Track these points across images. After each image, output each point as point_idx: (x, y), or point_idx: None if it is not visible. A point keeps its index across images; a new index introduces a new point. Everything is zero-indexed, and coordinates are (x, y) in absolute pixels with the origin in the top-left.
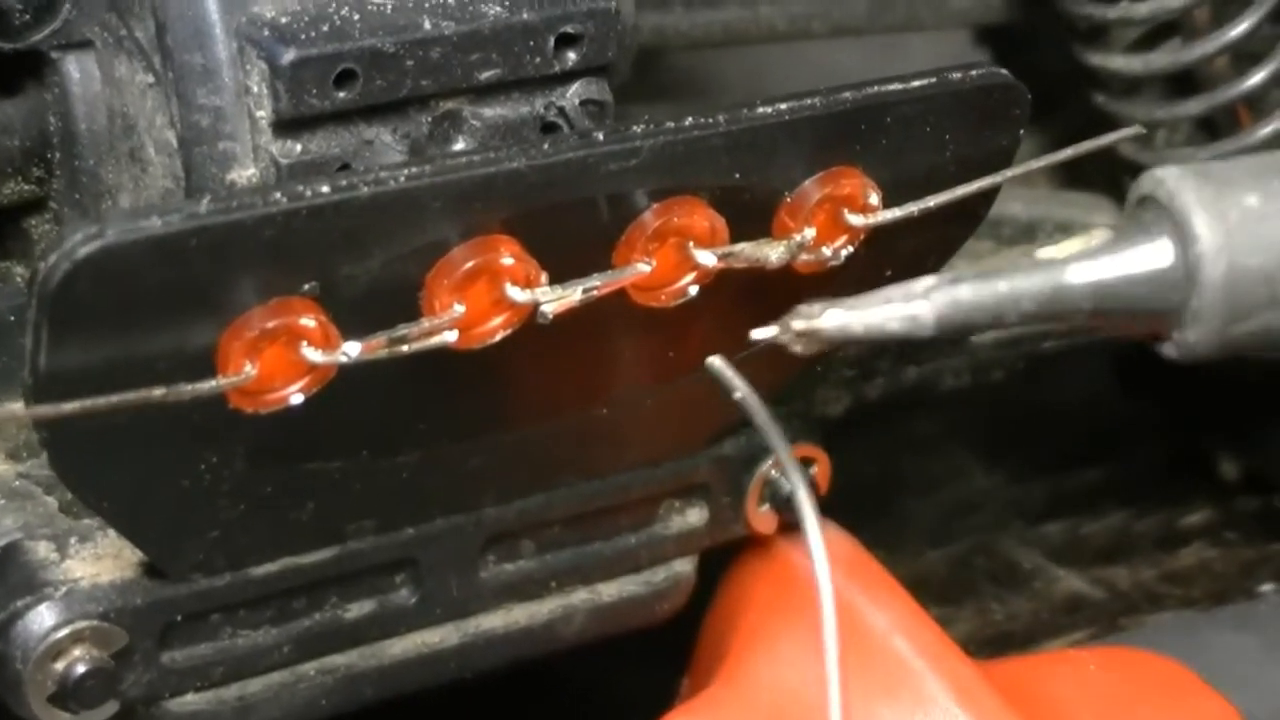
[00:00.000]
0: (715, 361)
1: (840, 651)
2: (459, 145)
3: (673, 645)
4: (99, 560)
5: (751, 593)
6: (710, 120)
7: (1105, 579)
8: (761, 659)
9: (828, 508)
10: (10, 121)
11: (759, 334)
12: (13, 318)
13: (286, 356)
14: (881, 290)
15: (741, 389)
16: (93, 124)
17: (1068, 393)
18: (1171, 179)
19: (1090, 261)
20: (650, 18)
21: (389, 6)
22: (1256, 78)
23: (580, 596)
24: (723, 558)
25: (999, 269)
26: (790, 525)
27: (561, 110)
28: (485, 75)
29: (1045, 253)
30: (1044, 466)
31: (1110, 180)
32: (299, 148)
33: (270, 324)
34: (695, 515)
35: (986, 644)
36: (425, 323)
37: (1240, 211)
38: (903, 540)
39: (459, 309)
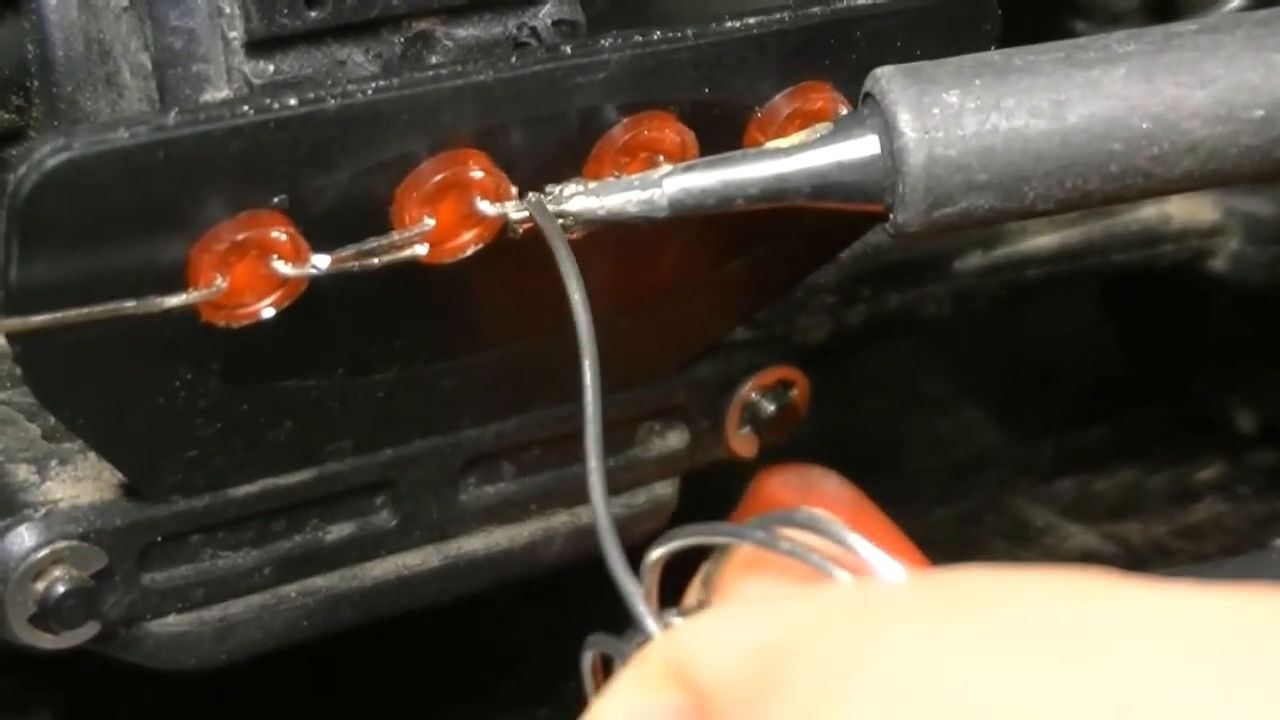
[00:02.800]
0: (535, 200)
1: None
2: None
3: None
4: (79, 482)
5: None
6: (678, 34)
7: (1117, 535)
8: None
9: (833, 465)
10: None
11: (514, 215)
12: None
13: (257, 270)
14: (626, 177)
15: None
16: (70, 50)
17: (1072, 344)
18: (885, 77)
19: (810, 151)
20: None
21: None
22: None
23: (560, 519)
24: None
25: (729, 157)
26: (774, 454)
27: (534, 30)
28: None
29: (773, 144)
30: (1054, 422)
31: None
32: (271, 68)
33: (240, 237)
34: (675, 438)
35: None
36: (395, 236)
37: (941, 108)
38: (911, 498)
39: (429, 222)
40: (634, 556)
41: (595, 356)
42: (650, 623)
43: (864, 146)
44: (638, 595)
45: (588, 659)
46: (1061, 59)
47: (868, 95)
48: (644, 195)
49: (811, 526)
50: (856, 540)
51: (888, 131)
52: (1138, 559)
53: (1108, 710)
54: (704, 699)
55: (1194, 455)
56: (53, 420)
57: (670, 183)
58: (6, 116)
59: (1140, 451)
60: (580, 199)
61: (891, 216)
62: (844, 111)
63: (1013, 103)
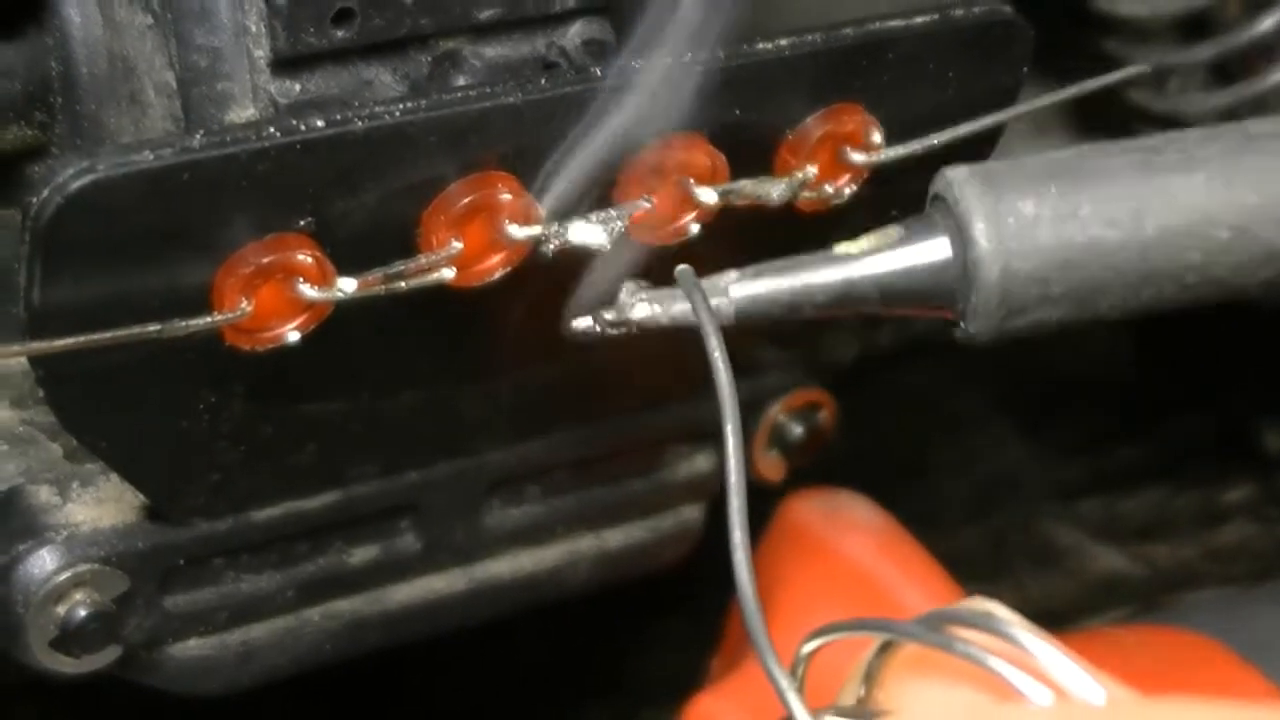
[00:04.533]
0: (685, 271)
1: None
2: (458, 85)
3: (702, 625)
4: (100, 504)
5: (781, 572)
6: (711, 56)
7: (1144, 556)
8: (791, 639)
9: (859, 485)
10: (12, 66)
11: (577, 324)
12: (17, 265)
13: (282, 293)
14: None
15: (700, 306)
16: (93, 67)
17: (1100, 363)
18: (958, 182)
19: (878, 258)
20: None
21: None
22: (1268, 22)
23: (587, 542)
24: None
25: (795, 262)
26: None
27: (563, 50)
28: (485, 14)
29: (841, 248)
30: (1081, 441)
31: (1124, 129)
32: (297, 88)
33: (265, 260)
34: (702, 461)
35: None
36: (422, 259)
37: (1016, 218)
38: (937, 518)
39: (456, 245)
40: (660, 582)
41: (739, 434)
42: None
43: (936, 253)
44: (793, 693)
45: None
46: (1138, 162)
47: (936, 197)
48: (711, 304)
49: (988, 626)
50: (1044, 649)
51: (961, 240)
52: (1165, 581)
53: None
54: None
55: (1222, 476)
56: (75, 440)
57: (737, 290)
58: (30, 133)
59: (1168, 472)
60: (644, 307)
61: (962, 325)
62: (876, 135)
63: (1088, 211)
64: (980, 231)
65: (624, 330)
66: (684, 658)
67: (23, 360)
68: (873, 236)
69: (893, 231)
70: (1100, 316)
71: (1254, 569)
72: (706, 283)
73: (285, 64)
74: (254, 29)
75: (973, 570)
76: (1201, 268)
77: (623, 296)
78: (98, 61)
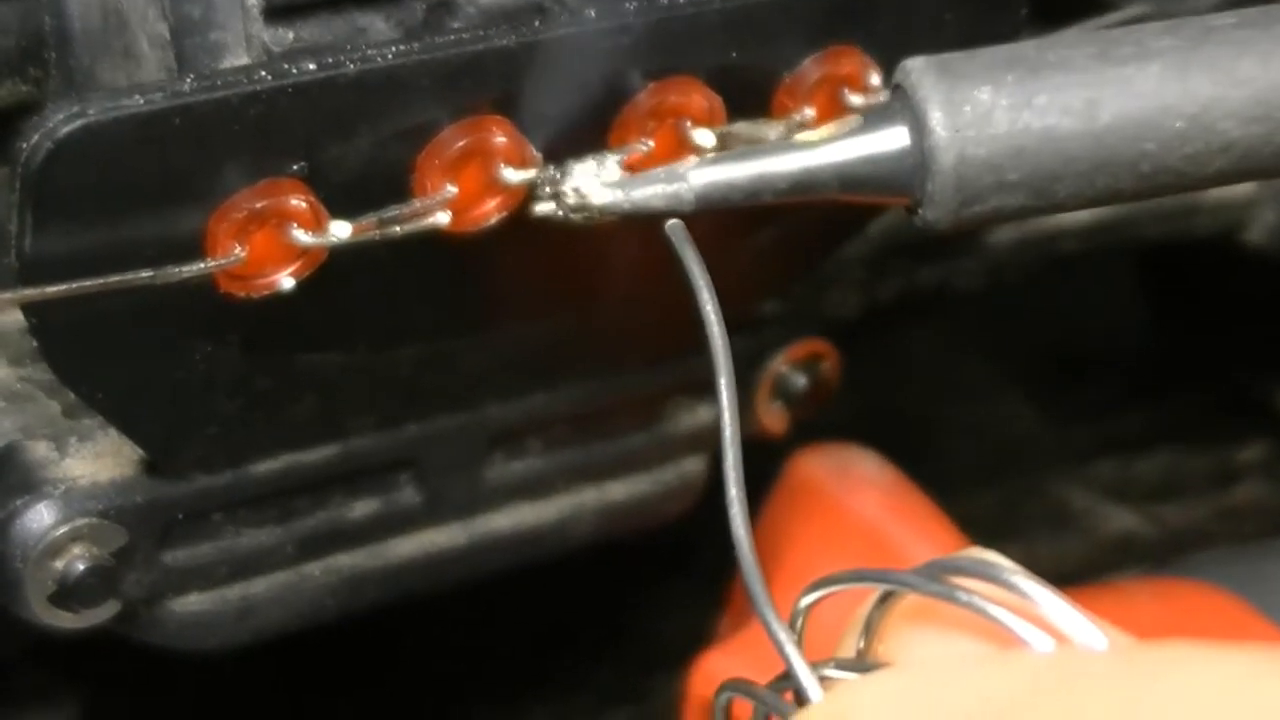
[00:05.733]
0: (675, 225)
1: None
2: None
3: (708, 584)
4: (99, 459)
5: (789, 528)
6: None
7: (1157, 517)
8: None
9: (871, 443)
10: (5, 22)
11: (540, 209)
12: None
13: (276, 239)
14: (651, 170)
15: (691, 259)
16: (87, 21)
17: (1112, 324)
18: (916, 71)
19: (838, 145)
20: None
21: None
22: None
23: (589, 496)
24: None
25: (757, 150)
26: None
27: None
28: None
29: (801, 136)
30: (1093, 403)
31: None
32: (291, 35)
33: (258, 205)
34: (705, 412)
35: None
36: (417, 203)
37: (972, 106)
38: (950, 481)
39: (451, 190)
40: (664, 535)
41: (733, 382)
42: (807, 679)
43: (893, 141)
44: (791, 645)
45: (723, 702)
46: (1095, 54)
47: (897, 87)
48: (670, 189)
49: (988, 575)
50: (1045, 596)
51: (918, 128)
52: (1177, 541)
53: None
54: None
55: (1234, 436)
56: (73, 397)
57: (696, 176)
58: (24, 88)
59: (1180, 432)
60: (605, 191)
61: (920, 212)
62: (874, 78)
63: (1045, 100)
64: (936, 120)
65: (586, 216)
66: (690, 617)
67: (21, 318)
68: (833, 125)
69: (852, 120)
70: (1059, 205)
71: (1266, 527)
72: (666, 168)
73: (278, 12)
74: None
75: (984, 532)
76: (1156, 157)
77: (584, 179)
78: (91, 15)
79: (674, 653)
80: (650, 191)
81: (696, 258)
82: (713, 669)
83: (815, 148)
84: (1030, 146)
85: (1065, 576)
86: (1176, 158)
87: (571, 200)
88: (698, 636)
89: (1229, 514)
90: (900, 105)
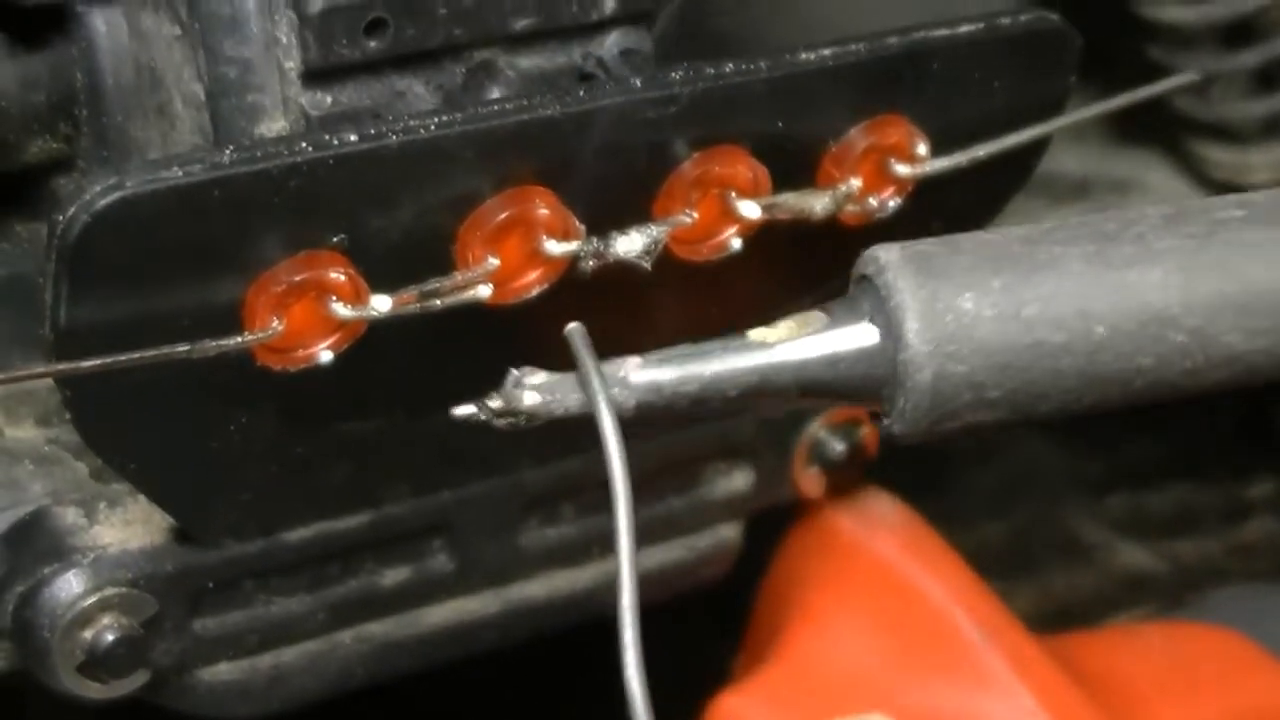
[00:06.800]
0: (573, 328)
1: (896, 623)
2: (493, 96)
3: (727, 622)
4: (128, 526)
5: (805, 569)
6: (752, 66)
7: (1169, 552)
8: (816, 637)
9: (881, 476)
10: (37, 77)
11: (460, 411)
12: (41, 281)
13: (315, 312)
14: (587, 372)
15: (590, 366)
16: (120, 79)
17: None
18: (891, 269)
19: (797, 344)
20: None
21: None
22: None
23: None
24: (773, 530)
25: (705, 348)
26: (840, 490)
27: (600, 60)
28: (520, 24)
29: (756, 333)
30: (1104, 435)
31: (1165, 136)
32: (329, 99)
33: (298, 278)
34: (740, 478)
35: (1047, 618)
36: (458, 276)
37: (954, 315)
38: (961, 513)
39: (493, 262)
40: (700, 601)
41: (632, 535)
42: None
43: (865, 352)
44: None
45: None
46: (1092, 254)
47: (863, 279)
48: (609, 394)
49: None
50: None
51: (891, 335)
52: (1190, 577)
53: None
54: None
55: (1246, 471)
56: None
57: (638, 378)
58: (55, 145)
59: (1192, 467)
60: (534, 396)
61: (886, 423)
62: (920, 147)
63: (1034, 311)
64: (913, 331)
65: (511, 421)
66: (706, 656)
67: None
68: (792, 321)
69: (814, 316)
70: (1036, 419)
71: (1278, 564)
72: (605, 367)
73: (317, 75)
74: (284, 40)
75: (995, 565)
76: (1153, 372)
77: (509, 384)
78: (124, 72)
79: (688, 691)
80: (583, 397)
81: (593, 360)
82: (730, 709)
83: (771, 347)
84: (1016, 363)
85: (1076, 611)
86: (1175, 372)
87: (495, 405)
88: (713, 675)
89: (1241, 550)
90: (870, 304)
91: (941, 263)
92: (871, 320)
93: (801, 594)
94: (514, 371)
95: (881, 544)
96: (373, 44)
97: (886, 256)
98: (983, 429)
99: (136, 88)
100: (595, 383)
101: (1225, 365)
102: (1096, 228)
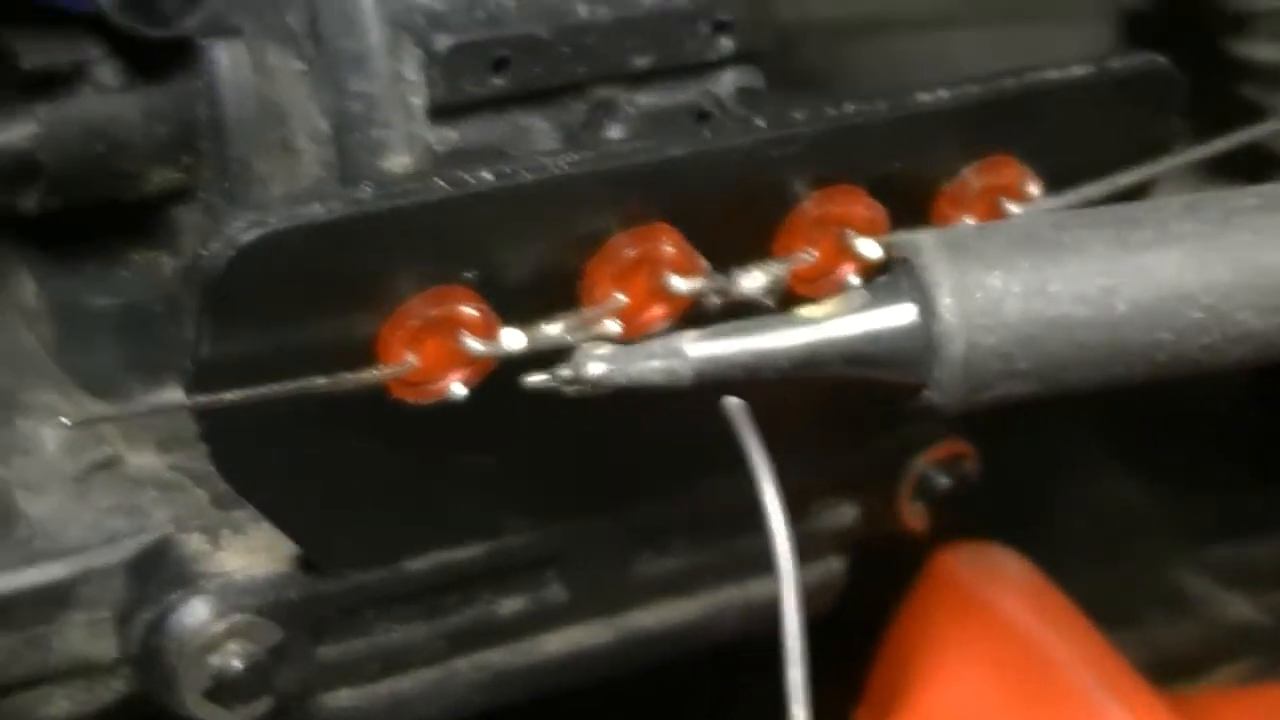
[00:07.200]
0: (733, 403)
1: (1022, 681)
2: (613, 133)
3: (846, 674)
4: (252, 553)
5: (931, 625)
6: (872, 107)
7: (1274, 604)
8: (942, 692)
9: (978, 524)
10: (160, 109)
11: (531, 381)
12: (160, 307)
13: (448, 346)
14: (647, 343)
15: (751, 441)
16: (242, 112)
17: (1227, 403)
18: (927, 250)
19: (842, 321)
20: (791, 4)
21: None
22: None
23: (732, 594)
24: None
25: (758, 324)
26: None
27: (717, 98)
28: (641, 62)
29: (805, 310)
30: (1210, 485)
31: (1256, 172)
32: (454, 135)
33: (431, 313)
34: (847, 512)
35: (1150, 671)
36: (586, 312)
37: (984, 292)
38: (1063, 562)
39: (620, 299)
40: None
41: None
42: None
43: (902, 326)
44: None
45: None
46: (1113, 239)
47: (903, 261)
48: (667, 364)
49: None
50: None
51: (927, 311)
52: None
53: None
54: None
55: None
56: (221, 486)
57: (695, 351)
58: (175, 176)
59: None
60: (600, 366)
61: (927, 394)
62: (1032, 188)
63: (1059, 288)
64: (946, 305)
65: (579, 389)
66: (823, 706)
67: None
68: (837, 300)
69: (857, 296)
70: (1068, 391)
71: None
72: (663, 342)
73: (443, 111)
74: (411, 76)
75: (1097, 617)
76: (1172, 346)
77: (578, 355)
78: (247, 106)
79: None
80: (646, 367)
81: (756, 440)
82: None
83: (819, 323)
84: (1042, 335)
85: (1180, 664)
86: (1194, 347)
87: (565, 374)
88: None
89: None
90: (908, 283)
91: (973, 245)
92: (909, 298)
93: (927, 649)
94: (584, 345)
95: (1007, 601)
96: (498, 81)
97: (922, 239)
98: (1016, 399)
99: (259, 121)
100: (758, 460)
101: (1242, 341)
102: (1120, 214)
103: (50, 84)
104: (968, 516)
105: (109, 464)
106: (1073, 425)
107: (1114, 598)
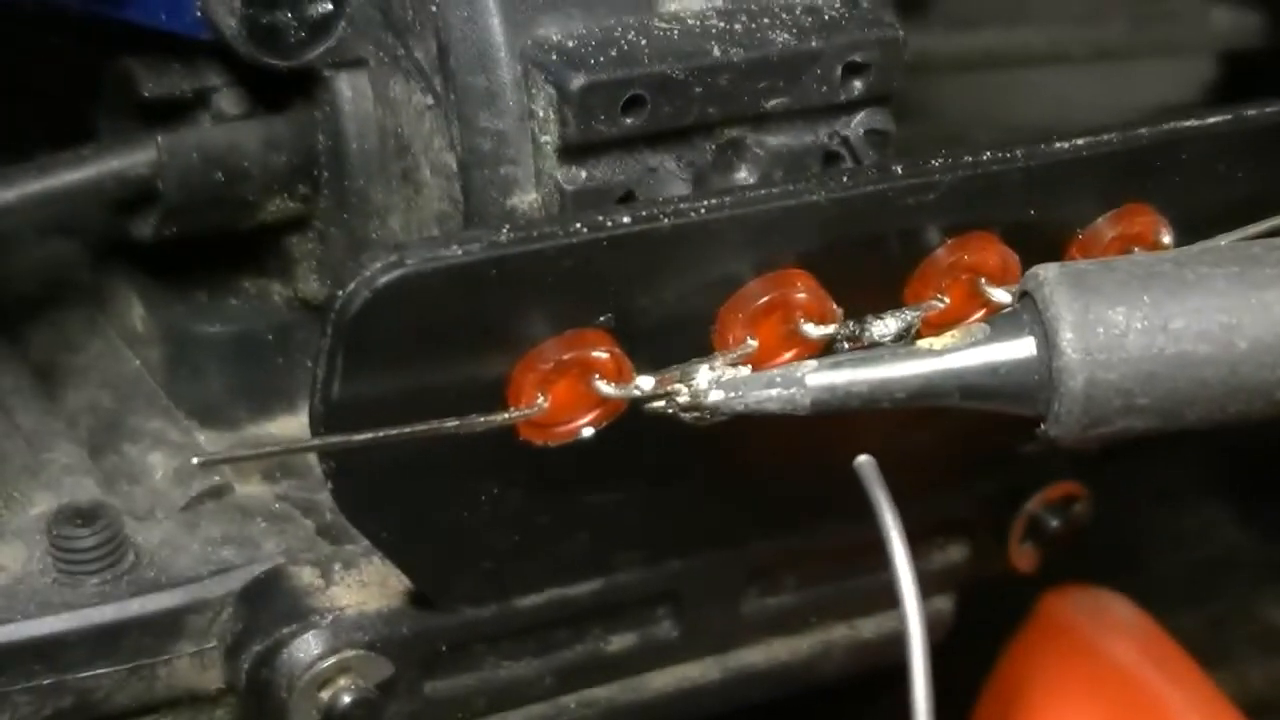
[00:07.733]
0: (864, 462)
1: None
2: (741, 174)
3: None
4: (364, 588)
5: (1040, 670)
6: (1009, 155)
7: None
8: None
9: (1076, 564)
10: (279, 138)
11: (650, 406)
12: (270, 336)
13: (579, 389)
14: (767, 371)
15: (882, 500)
16: (364, 143)
17: None
18: (1049, 284)
19: (961, 354)
20: (911, 39)
21: (676, 32)
22: None
23: (840, 632)
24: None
25: (877, 354)
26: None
27: (845, 140)
28: (771, 103)
29: (924, 342)
30: None
31: None
32: (584, 174)
33: (565, 356)
34: (956, 551)
35: (1245, 710)
36: (719, 358)
37: (1105, 327)
38: (1156, 599)
39: (752, 343)
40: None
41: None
42: None
43: (1020, 353)
44: None
45: None
46: (1236, 275)
47: (1025, 295)
48: (785, 393)
49: None
50: None
51: (1047, 345)
52: None
53: None
54: None
55: None
56: (328, 516)
57: (814, 380)
58: (292, 205)
59: None
60: (719, 393)
61: (1044, 428)
62: (1165, 236)
63: (1181, 325)
64: (1068, 340)
65: (697, 416)
66: None
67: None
68: (957, 332)
69: (977, 329)
70: (1186, 428)
71: None
72: (783, 370)
73: (573, 150)
74: (541, 114)
75: (1193, 655)
76: None
77: (699, 380)
78: (368, 137)
79: None
80: (765, 395)
81: (886, 497)
82: None
83: (938, 355)
84: (1163, 372)
85: (1273, 703)
86: None
87: (683, 399)
88: None
89: None
90: (1029, 316)
91: (1095, 280)
92: (1030, 331)
93: (1038, 691)
94: (703, 368)
95: (1119, 646)
96: (629, 120)
97: (1046, 274)
98: (1134, 435)
99: (380, 153)
100: (888, 518)
101: None
102: (1242, 251)
103: (171, 112)
104: (1061, 554)
105: (218, 493)
106: (1168, 462)
107: (1208, 637)
